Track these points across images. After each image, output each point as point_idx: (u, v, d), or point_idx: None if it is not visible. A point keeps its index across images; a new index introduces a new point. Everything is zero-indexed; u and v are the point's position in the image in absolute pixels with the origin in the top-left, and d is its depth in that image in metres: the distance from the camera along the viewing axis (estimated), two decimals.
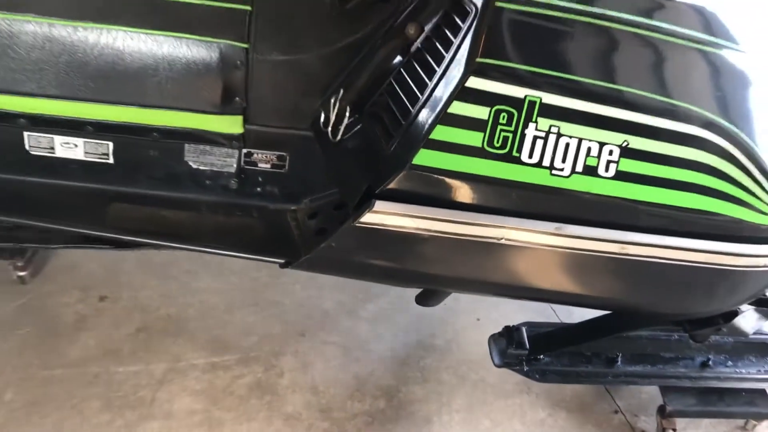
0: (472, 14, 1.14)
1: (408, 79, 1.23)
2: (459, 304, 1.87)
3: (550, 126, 1.14)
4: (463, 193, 1.18)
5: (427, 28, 1.24)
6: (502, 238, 1.22)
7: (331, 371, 1.68)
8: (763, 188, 1.23)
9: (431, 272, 1.33)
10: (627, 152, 1.16)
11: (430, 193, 1.18)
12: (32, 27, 1.25)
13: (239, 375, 1.64)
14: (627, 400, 1.71)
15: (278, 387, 1.63)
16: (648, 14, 1.16)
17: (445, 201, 1.18)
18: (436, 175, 1.16)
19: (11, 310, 1.72)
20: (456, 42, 1.15)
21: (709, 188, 1.20)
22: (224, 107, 1.35)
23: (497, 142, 1.14)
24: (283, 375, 1.65)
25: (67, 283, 1.80)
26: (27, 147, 1.38)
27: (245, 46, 1.31)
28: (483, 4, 1.12)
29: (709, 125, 1.18)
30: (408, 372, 1.70)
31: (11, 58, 1.27)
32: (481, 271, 1.31)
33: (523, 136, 1.14)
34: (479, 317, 1.86)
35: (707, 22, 1.20)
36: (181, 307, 1.78)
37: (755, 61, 1.23)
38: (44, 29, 1.26)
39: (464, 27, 1.15)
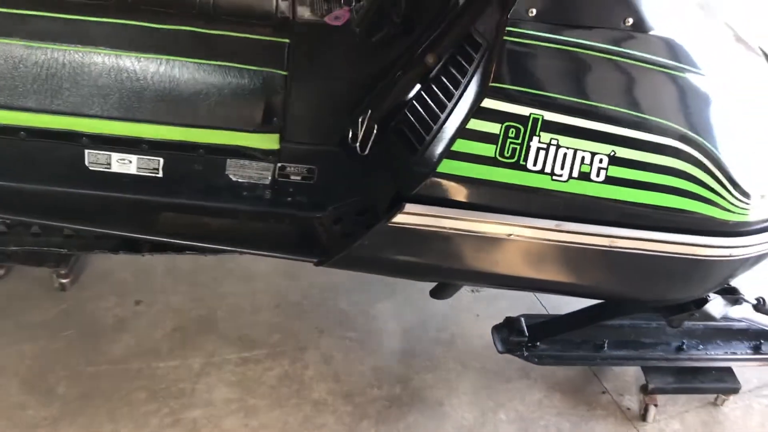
0: (484, 47, 1.35)
1: (428, 100, 1.44)
2: (460, 302, 2.07)
3: (551, 139, 1.36)
4: (479, 195, 1.39)
5: (444, 57, 1.46)
6: (511, 234, 1.43)
7: (350, 363, 1.86)
8: (726, 189, 1.46)
9: (450, 266, 1.53)
10: (614, 160, 1.39)
11: (451, 196, 1.39)
12: (101, 58, 1.44)
13: (269, 367, 1.82)
14: (613, 382, 1.92)
15: (304, 377, 1.81)
16: (627, 46, 1.39)
17: (463, 203, 1.39)
18: (456, 181, 1.37)
19: (55, 314, 1.87)
20: (471, 69, 1.36)
21: (682, 189, 1.43)
22: (264, 126, 1.54)
23: (507, 153, 1.36)
24: (308, 367, 1.84)
25: (103, 290, 1.96)
26: (87, 163, 1.55)
27: (284, 73, 1.50)
28: (493, 39, 1.34)
29: (680, 137, 1.41)
30: (419, 362, 1.90)
31: (81, 85, 1.45)
32: (492, 264, 1.52)
33: (528, 147, 1.36)
34: (478, 314, 2.06)
35: (675, 51, 1.44)
36: (211, 309, 1.95)
37: (713, 82, 1.47)
38: (111, 60, 1.44)
39: (477, 57, 1.36)
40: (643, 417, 1.82)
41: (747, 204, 1.49)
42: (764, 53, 1.82)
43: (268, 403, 1.73)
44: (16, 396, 1.66)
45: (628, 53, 1.38)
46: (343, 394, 1.78)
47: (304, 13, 1.56)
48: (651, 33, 1.40)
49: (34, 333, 1.81)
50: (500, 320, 1.79)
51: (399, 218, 1.39)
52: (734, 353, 1.87)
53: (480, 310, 2.07)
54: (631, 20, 1.38)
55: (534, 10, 1.32)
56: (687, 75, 1.44)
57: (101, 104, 1.48)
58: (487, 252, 1.49)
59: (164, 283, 2.00)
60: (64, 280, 1.91)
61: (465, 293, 2.10)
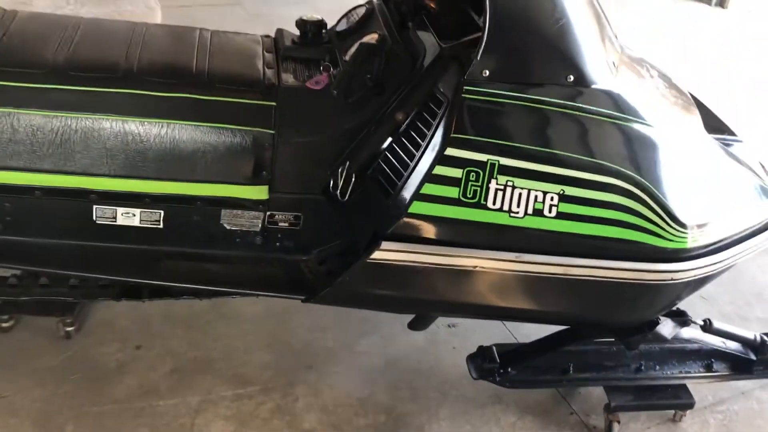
0: (446, 103, 1.57)
1: (399, 151, 1.64)
2: (438, 336, 2.24)
3: (507, 181, 1.56)
4: (446, 232, 1.58)
5: (411, 114, 1.66)
6: (476, 266, 1.62)
7: (337, 395, 2.01)
8: (664, 221, 1.66)
9: (423, 298, 1.72)
10: (564, 198, 1.59)
11: (422, 233, 1.58)
12: (109, 124, 1.62)
13: (261, 402, 1.96)
14: (580, 404, 2.08)
15: (295, 409, 1.95)
16: (570, 99, 1.60)
17: (433, 239, 1.58)
18: (426, 221, 1.57)
19: (61, 360, 2.01)
20: (435, 123, 1.57)
21: (624, 222, 1.63)
22: (254, 179, 1.72)
23: (469, 194, 1.55)
24: (298, 400, 1.98)
25: (106, 336, 2.10)
26: (94, 218, 1.72)
27: (272, 132, 1.69)
28: (453, 97, 1.55)
29: (623, 176, 1.61)
30: (401, 392, 2.05)
31: (91, 148, 1.63)
32: (462, 294, 1.71)
33: (487, 189, 1.56)
34: (455, 346, 2.22)
35: (614, 101, 1.65)
36: (206, 350, 2.10)
37: (649, 128, 1.68)
38: (118, 125, 1.63)
39: (440, 113, 1.57)
40: None
41: (684, 233, 1.69)
42: (695, 99, 2.06)
43: None
44: None
45: (571, 105, 1.60)
46: (331, 424, 1.92)
47: (288, 79, 1.77)
48: (593, 86, 1.63)
49: (42, 378, 1.94)
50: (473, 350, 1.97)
51: (376, 255, 1.58)
52: (688, 372, 2.04)
53: (456, 343, 2.23)
54: (572, 77, 1.60)
55: (487, 71, 1.54)
56: (625, 122, 1.66)
57: (108, 164, 1.66)
58: (456, 283, 1.67)
59: (162, 328, 2.15)
60: (69, 329, 2.05)
61: (442, 328, 2.27)
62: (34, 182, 1.65)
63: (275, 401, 1.97)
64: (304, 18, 1.93)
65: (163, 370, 2.02)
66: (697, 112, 1.98)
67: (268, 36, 1.99)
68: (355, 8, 2.01)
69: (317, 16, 1.94)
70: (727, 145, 2.07)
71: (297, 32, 1.96)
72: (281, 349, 2.14)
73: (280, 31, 1.99)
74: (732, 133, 2.16)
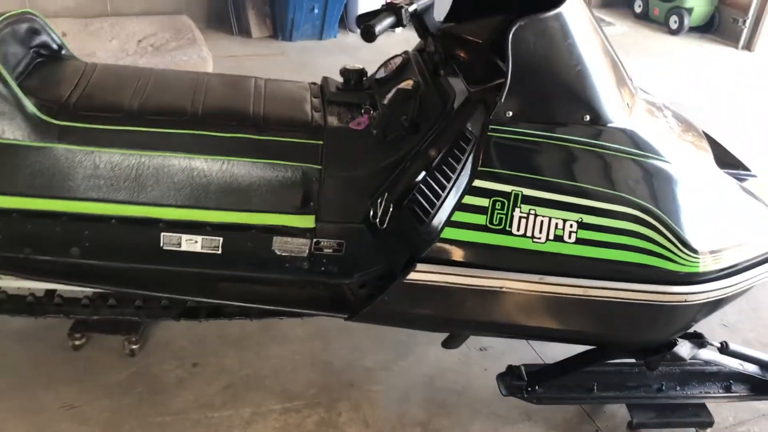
0: (473, 141, 1.76)
1: (432, 183, 1.83)
2: (470, 359, 2.40)
3: (530, 209, 1.73)
4: (475, 255, 1.75)
5: (443, 150, 1.85)
6: (502, 287, 1.79)
7: (376, 410, 2.17)
8: (677, 246, 1.80)
9: (454, 316, 1.88)
10: (582, 225, 1.75)
11: (453, 257, 1.75)
12: (177, 161, 1.85)
13: (307, 415, 2.13)
14: (604, 422, 2.21)
15: (338, 423, 2.12)
16: (587, 136, 1.78)
17: (463, 262, 1.76)
18: (456, 245, 1.74)
19: (126, 376, 2.21)
20: (464, 158, 1.76)
21: (639, 247, 1.78)
22: (303, 209, 1.92)
23: (495, 221, 1.73)
24: (341, 414, 2.15)
25: (166, 355, 2.30)
26: (161, 244, 1.94)
27: (319, 167, 1.90)
28: (480, 135, 1.74)
29: (639, 206, 1.77)
30: (435, 408, 2.20)
31: (161, 181, 1.86)
32: (489, 314, 1.87)
33: (512, 217, 1.73)
34: (486, 368, 2.37)
35: (629, 138, 1.82)
36: (257, 368, 2.28)
37: (663, 162, 1.85)
38: (185, 161, 1.85)
39: (468, 149, 1.76)
40: None
41: (696, 258, 1.83)
42: (707, 136, 2.22)
43: None
44: None
45: (587, 142, 1.77)
46: None
47: (333, 121, 1.98)
48: (608, 125, 1.80)
49: (110, 391, 2.15)
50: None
51: (412, 276, 1.76)
52: (708, 392, 2.16)
53: (487, 364, 2.38)
54: (588, 117, 1.78)
55: (510, 113, 1.72)
56: (638, 157, 1.82)
57: (175, 196, 1.88)
58: (484, 303, 1.84)
59: (216, 348, 2.35)
60: (134, 346, 2.26)
61: (474, 351, 2.43)
62: (111, 212, 1.87)
63: (320, 415, 2.14)
64: (347, 67, 2.16)
65: (218, 386, 2.21)
66: (708, 147, 2.14)
67: (314, 83, 2.22)
68: (392, 58, 2.23)
69: (359, 66, 2.17)
70: (741, 179, 2.22)
71: (340, 79, 2.19)
72: (324, 368, 2.31)
73: (325, 79, 2.21)
74: (746, 169, 2.30)
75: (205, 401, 2.15)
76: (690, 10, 6.25)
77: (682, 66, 5.71)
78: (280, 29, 5.21)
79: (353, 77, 2.15)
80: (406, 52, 2.23)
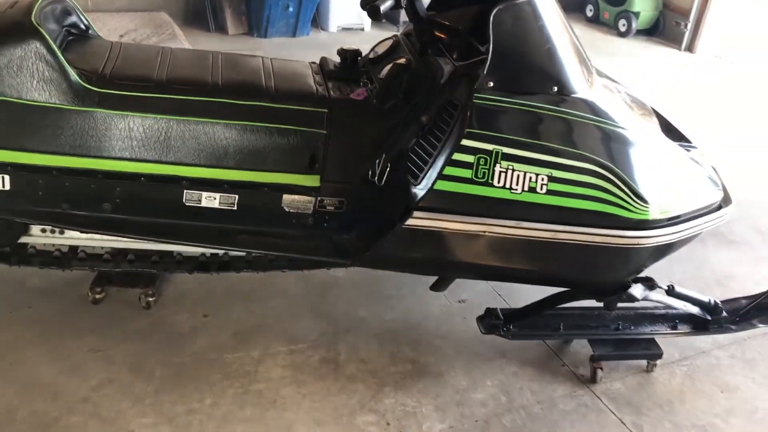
0: (461, 107, 2.06)
1: (425, 144, 2.12)
2: (451, 309, 2.70)
3: (508, 166, 2.04)
4: (462, 204, 2.05)
5: (433, 116, 2.15)
6: (485, 232, 2.10)
7: (371, 351, 2.45)
8: (630, 197, 2.13)
9: (443, 258, 2.18)
10: (552, 179, 2.07)
11: (443, 205, 2.05)
12: (200, 125, 2.10)
13: (310, 355, 2.40)
14: (569, 358, 2.53)
15: (338, 360, 2.39)
16: (554, 104, 2.09)
17: (452, 209, 2.05)
18: (446, 195, 2.04)
19: (144, 325, 2.45)
20: (453, 121, 2.06)
21: (599, 197, 2.10)
22: (309, 169, 2.19)
23: (480, 175, 2.03)
24: (340, 354, 2.42)
25: (178, 308, 2.55)
26: (184, 200, 2.19)
27: (324, 132, 2.18)
28: (467, 101, 2.04)
29: (598, 163, 2.09)
30: (423, 349, 2.49)
31: (185, 143, 2.11)
32: (473, 256, 2.17)
33: (493, 171, 2.04)
34: (465, 317, 2.67)
35: (590, 107, 2.15)
36: (262, 317, 2.54)
37: (618, 126, 2.18)
38: (206, 126, 2.10)
39: (456, 114, 2.07)
40: (593, 379, 2.42)
41: (647, 207, 2.16)
42: (655, 111, 2.57)
43: (313, 378, 2.31)
44: (125, 377, 2.23)
45: (555, 109, 2.09)
46: (369, 371, 2.36)
47: (335, 93, 2.26)
48: (572, 95, 2.12)
49: (131, 337, 2.39)
50: None
51: (409, 222, 2.05)
52: (657, 330, 2.50)
53: (465, 314, 2.69)
54: (556, 88, 2.10)
55: (491, 83, 2.03)
56: (598, 122, 2.15)
57: (198, 156, 2.13)
58: (469, 246, 2.14)
59: (224, 301, 2.60)
60: (150, 299, 2.50)
61: (454, 303, 2.73)
62: (141, 170, 2.12)
63: (321, 354, 2.41)
64: (344, 48, 2.45)
65: (228, 333, 2.46)
66: (655, 120, 2.50)
67: (314, 62, 2.50)
68: (383, 40, 2.53)
69: (354, 47, 2.46)
70: (685, 149, 2.58)
71: (337, 60, 2.47)
72: (323, 317, 2.59)
73: (324, 59, 2.50)
74: (688, 141, 2.66)
75: (217, 345, 2.40)
76: (637, 14, 6.72)
77: (630, 65, 6.14)
78: (255, 26, 5.47)
79: (349, 56, 2.44)
80: (395, 36, 2.53)
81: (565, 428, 2.24)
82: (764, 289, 2.65)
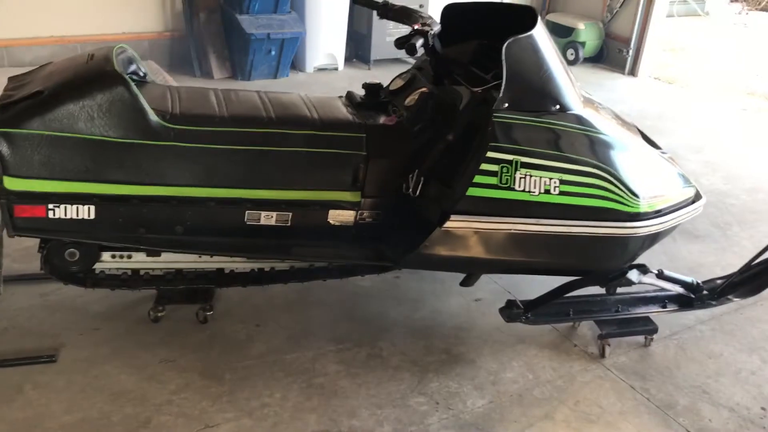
0: (483, 125, 2.43)
1: (452, 158, 2.49)
2: (470, 307, 3.06)
3: (526, 172, 2.42)
4: (490, 207, 2.42)
5: (458, 134, 2.52)
6: (510, 230, 2.47)
7: (409, 345, 2.78)
8: (626, 194, 2.54)
9: (476, 256, 2.53)
10: (563, 182, 2.46)
11: (475, 209, 2.41)
12: (258, 152, 2.42)
13: (357, 352, 2.71)
14: (579, 340, 2.91)
15: (382, 354, 2.71)
16: (558, 119, 2.49)
17: (482, 212, 2.42)
18: (476, 200, 2.40)
19: (205, 336, 2.72)
20: (478, 137, 2.43)
21: (602, 196, 2.50)
22: (352, 187, 2.54)
23: (503, 181, 2.41)
24: (382, 349, 2.74)
25: (230, 320, 2.83)
26: (245, 220, 2.50)
27: (364, 153, 2.53)
28: (487, 120, 2.41)
29: (598, 167, 2.49)
30: (453, 340, 2.83)
31: (248, 168, 2.42)
32: (501, 252, 2.53)
33: (514, 178, 2.42)
34: (484, 312, 3.03)
35: (585, 121, 2.56)
36: (307, 324, 2.84)
37: (613, 138, 2.59)
38: (265, 152, 2.43)
39: (481, 131, 2.44)
40: (602, 355, 2.80)
41: (639, 201, 2.58)
42: (636, 127, 3.01)
43: (364, 370, 2.62)
44: (200, 382, 2.49)
45: (558, 123, 2.49)
46: (410, 361, 2.69)
47: (369, 120, 2.62)
48: (569, 112, 2.53)
49: (196, 348, 2.66)
50: (498, 313, 2.78)
51: (447, 225, 2.41)
52: (650, 310, 2.91)
53: (483, 310, 3.05)
54: (558, 106, 2.51)
55: (506, 104, 2.41)
56: (593, 133, 2.56)
57: (258, 180, 2.45)
58: (497, 243, 2.50)
59: (270, 312, 2.89)
60: (208, 313, 2.77)
61: (471, 302, 3.09)
62: (210, 195, 2.42)
63: (366, 351, 2.73)
64: (369, 82, 2.82)
65: (281, 338, 2.75)
66: (636, 131, 2.93)
67: (341, 96, 2.86)
68: (399, 75, 2.91)
69: (377, 81, 2.83)
70: (661, 154, 3.02)
71: (361, 92, 2.83)
72: (360, 320, 2.91)
73: (349, 92, 2.86)
74: (660, 148, 3.11)
75: (274, 349, 2.69)
76: (583, 44, 7.31)
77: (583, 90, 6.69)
78: (239, 70, 5.80)
79: (373, 90, 2.81)
80: (408, 70, 2.91)
81: (587, 395, 2.60)
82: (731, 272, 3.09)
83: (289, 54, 5.86)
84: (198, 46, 5.82)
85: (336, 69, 6.46)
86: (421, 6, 5.73)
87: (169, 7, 5.94)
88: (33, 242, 2.93)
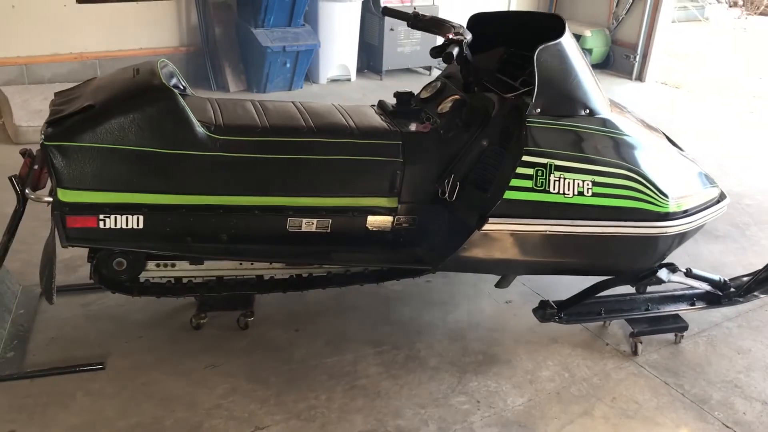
0: (517, 129, 2.51)
1: (487, 164, 2.56)
2: (501, 308, 3.12)
3: (560, 175, 2.50)
4: (526, 209, 2.49)
5: (492, 140, 2.59)
6: (546, 231, 2.54)
7: (445, 347, 2.84)
8: (656, 194, 2.61)
9: (512, 258, 2.59)
10: (595, 184, 2.53)
11: (512, 211, 2.48)
12: (301, 161, 2.49)
13: (396, 354, 2.78)
14: (610, 338, 2.97)
15: (420, 356, 2.77)
16: (587, 123, 2.57)
17: (519, 214, 2.49)
18: (512, 203, 2.47)
19: (247, 342, 2.78)
20: (512, 142, 2.51)
21: (632, 196, 2.58)
22: (389, 193, 2.61)
23: (538, 184, 2.48)
24: (420, 351, 2.81)
25: (270, 326, 2.89)
26: (287, 227, 2.56)
27: (401, 160, 2.59)
28: (521, 125, 2.48)
29: (628, 168, 2.57)
30: (487, 342, 2.89)
31: (289, 177, 2.49)
32: (537, 253, 2.60)
33: (549, 180, 2.49)
34: (515, 313, 3.09)
35: (613, 125, 2.63)
36: (344, 328, 2.91)
37: (641, 140, 2.67)
38: (306, 161, 2.50)
39: (514, 136, 2.52)
40: (634, 352, 2.87)
41: (668, 201, 2.66)
42: (662, 132, 3.09)
43: (404, 372, 2.68)
44: (246, 386, 2.55)
45: (588, 127, 2.57)
46: (448, 362, 2.75)
47: (404, 127, 2.69)
48: (598, 116, 2.61)
49: (239, 353, 2.72)
50: (529, 314, 2.85)
51: (485, 227, 2.47)
52: (679, 308, 2.97)
53: (515, 311, 3.11)
54: (588, 110, 2.58)
55: (538, 109, 2.49)
56: (622, 136, 2.63)
57: (300, 188, 2.52)
58: (534, 244, 2.58)
59: (307, 317, 2.96)
60: (249, 318, 2.83)
61: (502, 304, 3.15)
62: (254, 203, 2.49)
63: (405, 353, 2.79)
64: (400, 91, 2.89)
65: (321, 342, 2.82)
66: (662, 133, 3.01)
67: (373, 105, 2.93)
68: (429, 84, 2.99)
69: (408, 89, 2.91)
70: (685, 156, 3.10)
71: (393, 101, 2.91)
72: (395, 324, 2.97)
73: (381, 101, 2.93)
74: (682, 149, 3.18)
75: (315, 352, 2.76)
76: (590, 51, 7.41)
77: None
78: (255, 83, 5.89)
79: (405, 98, 2.88)
80: (438, 78, 2.99)
81: (622, 392, 2.66)
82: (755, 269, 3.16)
83: (303, 66, 5.95)
84: (213, 60, 5.91)
85: (349, 80, 6.55)
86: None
87: (185, 22, 6.03)
88: (71, 254, 3.02)
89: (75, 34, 5.67)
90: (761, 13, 12.62)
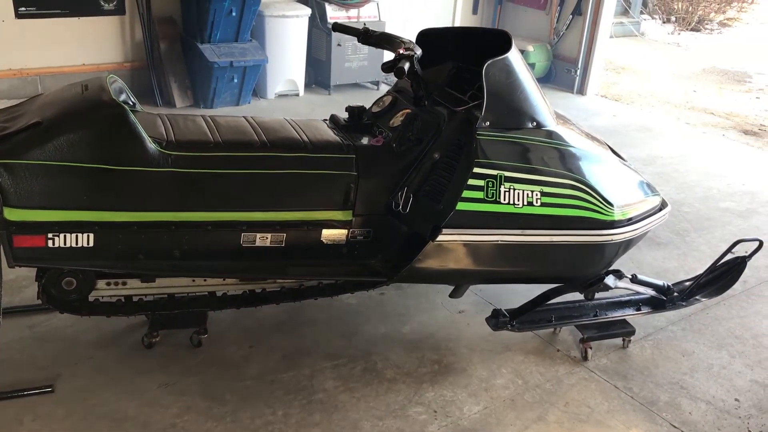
0: (467, 142, 2.56)
1: (439, 176, 2.60)
2: (455, 318, 3.16)
3: (510, 186, 2.56)
4: (478, 220, 2.54)
5: (443, 152, 2.64)
6: (498, 241, 2.59)
7: (401, 358, 2.86)
8: (602, 203, 2.70)
9: (465, 267, 2.64)
10: (543, 194, 2.60)
11: (464, 222, 2.53)
12: (254, 175, 2.49)
13: (353, 367, 2.78)
14: (561, 345, 3.04)
15: (377, 368, 2.79)
16: (534, 135, 2.64)
17: (471, 224, 2.54)
18: (465, 214, 2.52)
19: (200, 359, 2.75)
20: (463, 155, 2.56)
21: (579, 205, 2.66)
22: (344, 206, 2.62)
23: (489, 195, 2.54)
24: (376, 363, 2.82)
25: (224, 343, 2.86)
26: (241, 242, 2.55)
27: (355, 174, 2.62)
28: (472, 138, 2.54)
29: (574, 179, 2.65)
30: (442, 351, 2.93)
31: (242, 191, 2.49)
32: (488, 262, 2.65)
33: (499, 191, 2.55)
34: (468, 323, 3.14)
35: (559, 137, 2.71)
36: (300, 343, 2.90)
37: (587, 152, 2.76)
38: (258, 176, 2.50)
39: (465, 148, 2.57)
40: (585, 358, 2.94)
41: (613, 210, 2.75)
42: (605, 143, 3.19)
43: (361, 384, 2.68)
44: (201, 404, 2.52)
45: (535, 139, 2.64)
46: (404, 373, 2.77)
47: (357, 141, 2.72)
48: (545, 128, 2.69)
49: (193, 371, 2.68)
50: (482, 323, 2.90)
51: (439, 238, 2.51)
52: (626, 313, 3.06)
53: (468, 321, 3.16)
54: (534, 123, 2.66)
55: (488, 122, 2.55)
56: (568, 147, 2.71)
57: (253, 202, 2.51)
58: (486, 254, 2.63)
59: (262, 333, 2.94)
60: (203, 336, 2.80)
61: (455, 314, 3.19)
62: (207, 219, 2.47)
63: (362, 365, 2.80)
64: (352, 105, 2.92)
65: (276, 357, 2.80)
66: (605, 144, 3.11)
67: (325, 119, 2.95)
68: (380, 98, 3.03)
69: (359, 104, 2.94)
70: (628, 166, 3.20)
71: (344, 115, 2.93)
72: (351, 337, 2.98)
73: (333, 115, 2.95)
74: (625, 160, 3.29)
75: (271, 368, 2.74)
76: (533, 65, 7.59)
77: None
78: (202, 98, 5.83)
79: (357, 112, 2.91)
80: (389, 93, 3.03)
81: (575, 397, 2.72)
82: (696, 274, 3.28)
83: (251, 81, 5.92)
84: (159, 75, 5.84)
85: (297, 95, 6.55)
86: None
87: (129, 38, 5.94)
88: (14, 275, 2.94)
89: (14, 50, 5.52)
90: (692, 29, 13.14)
